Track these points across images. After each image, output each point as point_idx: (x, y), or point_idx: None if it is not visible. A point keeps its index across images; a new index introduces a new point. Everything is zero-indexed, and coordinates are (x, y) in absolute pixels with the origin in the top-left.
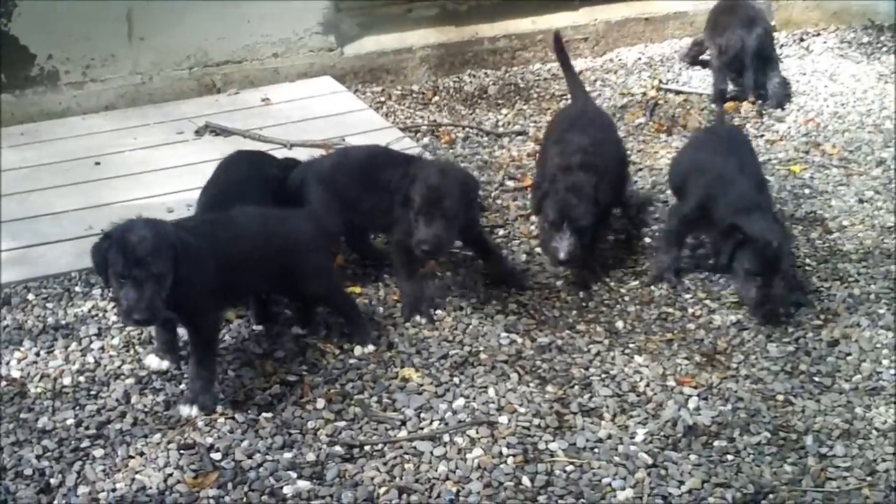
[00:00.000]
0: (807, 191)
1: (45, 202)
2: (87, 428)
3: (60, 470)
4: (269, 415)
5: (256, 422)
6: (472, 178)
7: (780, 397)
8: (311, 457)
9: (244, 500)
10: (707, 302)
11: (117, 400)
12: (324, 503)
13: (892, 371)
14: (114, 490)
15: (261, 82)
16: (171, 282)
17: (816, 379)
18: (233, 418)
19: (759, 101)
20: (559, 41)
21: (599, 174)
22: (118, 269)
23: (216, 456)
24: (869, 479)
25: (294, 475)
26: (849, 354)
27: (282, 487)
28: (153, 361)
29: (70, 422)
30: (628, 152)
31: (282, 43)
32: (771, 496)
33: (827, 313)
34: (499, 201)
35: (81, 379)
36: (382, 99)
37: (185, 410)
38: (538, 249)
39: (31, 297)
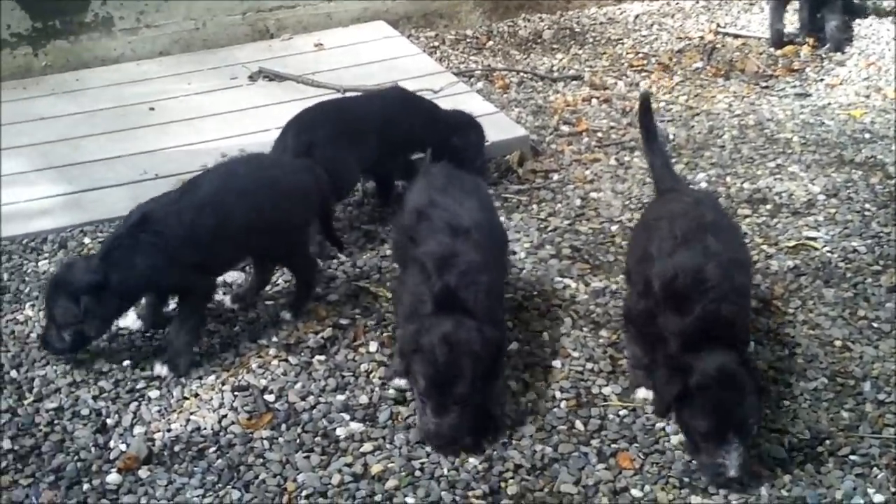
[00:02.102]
0: (867, 135)
1: (99, 147)
2: (142, 369)
3: (117, 410)
4: (322, 357)
5: (310, 364)
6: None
7: (838, 343)
8: (363, 399)
9: (297, 440)
10: (764, 247)
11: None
12: (376, 445)
13: None
14: (169, 430)
15: (314, 27)
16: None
17: (875, 325)
18: (286, 361)
19: (818, 45)
20: (646, 104)
21: (736, 314)
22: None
23: (270, 398)
24: None
25: (347, 417)
26: None
27: (335, 429)
28: (130, 320)
29: (126, 363)
30: (685, 96)
31: None
32: (827, 442)
33: (886, 259)
34: (553, 146)
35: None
36: (436, 44)
37: (157, 369)
38: (593, 195)
39: (87, 240)
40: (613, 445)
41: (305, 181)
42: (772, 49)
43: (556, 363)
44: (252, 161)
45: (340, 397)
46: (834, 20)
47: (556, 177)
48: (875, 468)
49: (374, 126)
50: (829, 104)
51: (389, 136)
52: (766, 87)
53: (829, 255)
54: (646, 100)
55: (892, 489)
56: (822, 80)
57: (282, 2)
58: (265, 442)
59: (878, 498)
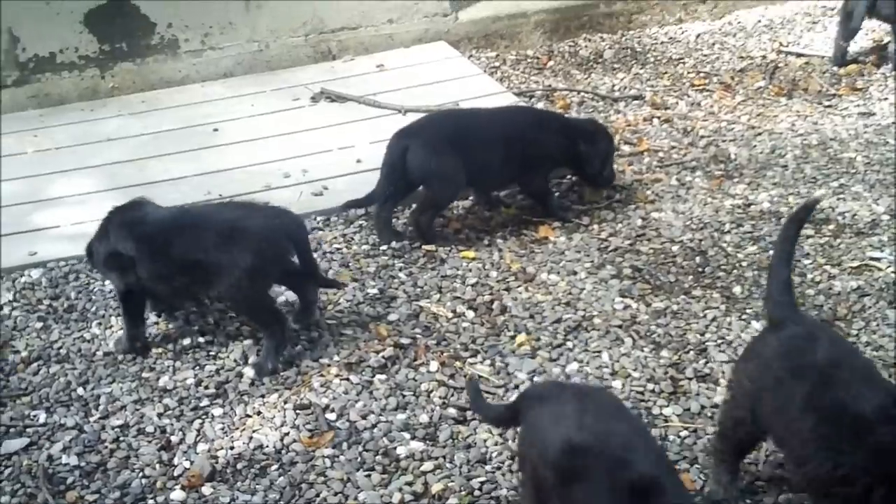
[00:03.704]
0: None
1: (164, 168)
2: (206, 387)
3: (181, 427)
4: (383, 377)
5: (371, 383)
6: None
7: None
8: (424, 418)
9: (358, 459)
10: (827, 267)
11: (235, 360)
12: (436, 464)
13: None
14: (232, 448)
15: (375, 48)
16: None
17: None
18: (347, 380)
19: (881, 63)
20: (806, 213)
21: None
22: None
23: (331, 416)
24: None
25: (407, 436)
26: None
27: (395, 448)
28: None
29: (190, 381)
30: (747, 116)
31: (396, 8)
32: None
33: None
34: (614, 166)
35: (201, 340)
36: (497, 64)
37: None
38: (654, 215)
39: None
40: (675, 467)
41: (266, 231)
42: (835, 68)
43: (617, 384)
44: (231, 204)
45: (401, 416)
46: (893, 50)
47: (617, 196)
48: None
49: (496, 139)
50: (894, 123)
51: (517, 149)
52: (830, 106)
53: (892, 275)
54: (809, 209)
55: None
56: (886, 98)
57: (344, 23)
58: (326, 460)
59: None
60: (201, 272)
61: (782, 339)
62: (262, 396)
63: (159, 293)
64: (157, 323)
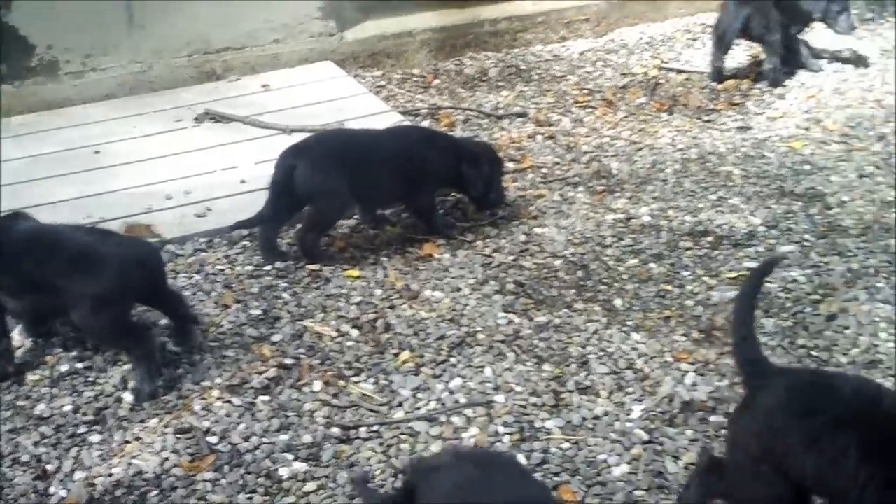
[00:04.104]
0: (807, 167)
1: (43, 192)
2: (84, 414)
3: (57, 456)
4: (266, 398)
5: (253, 405)
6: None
7: None
8: (307, 439)
9: (240, 482)
10: (705, 279)
11: (114, 386)
12: (319, 484)
13: (890, 344)
14: (110, 475)
15: (261, 68)
16: None
17: (814, 353)
18: (229, 402)
19: (758, 79)
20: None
21: None
22: None
23: (212, 439)
24: None
25: (290, 457)
26: (846, 328)
27: (278, 469)
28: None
29: (67, 408)
30: (628, 131)
31: (282, 28)
32: None
33: (825, 288)
34: (503, 187)
35: (79, 365)
36: (383, 83)
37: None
38: (537, 230)
39: None
40: (556, 479)
41: (116, 259)
42: (713, 84)
43: (499, 398)
44: (85, 229)
45: (284, 437)
46: (769, 62)
47: (500, 213)
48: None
49: (384, 158)
50: (770, 137)
51: (405, 168)
52: (709, 121)
53: (769, 285)
54: (772, 264)
55: None
56: (762, 113)
57: (229, 43)
58: (207, 484)
59: None
60: (50, 293)
61: (789, 395)
62: (142, 421)
63: (23, 309)
64: (32, 349)
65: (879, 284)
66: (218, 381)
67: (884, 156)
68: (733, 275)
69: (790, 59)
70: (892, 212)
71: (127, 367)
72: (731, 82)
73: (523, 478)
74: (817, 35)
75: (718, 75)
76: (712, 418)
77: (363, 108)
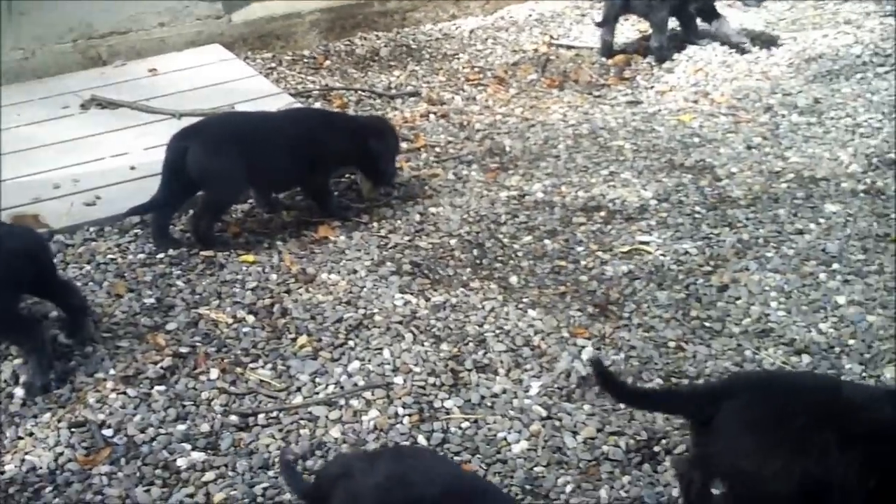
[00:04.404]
0: (696, 139)
1: None
2: None
3: None
4: (162, 388)
5: (149, 395)
6: None
7: (672, 344)
8: (205, 427)
9: (137, 474)
10: (599, 253)
11: (5, 381)
12: (218, 473)
13: (781, 313)
14: (2, 473)
15: (147, 53)
16: None
17: (707, 324)
18: (124, 393)
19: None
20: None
21: None
22: None
23: (108, 432)
24: None
25: (188, 447)
26: (738, 298)
27: (175, 460)
28: None
29: None
30: (520, 108)
31: (168, 12)
32: (664, 441)
33: (717, 259)
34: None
35: None
36: (273, 65)
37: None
38: (432, 210)
39: None
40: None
41: (6, 250)
42: (603, 59)
43: (398, 380)
44: None
45: (181, 427)
46: (656, 40)
47: (395, 193)
48: None
49: (279, 140)
50: (660, 111)
51: (302, 150)
52: (599, 97)
53: (661, 258)
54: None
55: None
56: (652, 87)
57: (113, 28)
58: (104, 478)
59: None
60: None
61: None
62: (35, 416)
63: None
64: None
65: (769, 254)
66: (112, 372)
67: (770, 127)
68: (626, 249)
69: (688, 34)
70: (780, 182)
71: (17, 361)
72: (620, 57)
73: (444, 461)
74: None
75: (608, 50)
76: None
77: (253, 90)
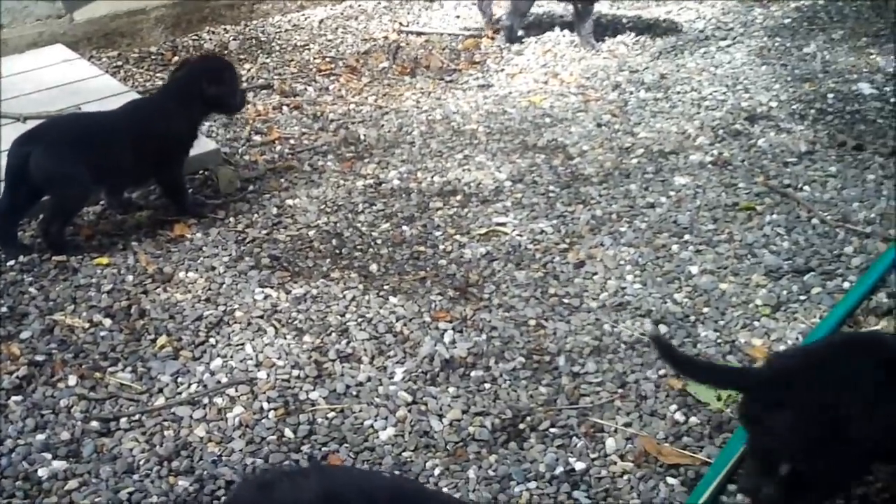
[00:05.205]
0: (547, 119)
1: None
2: None
3: None
4: (19, 398)
5: (5, 406)
6: None
7: (532, 322)
8: (65, 436)
9: None
10: (457, 237)
11: None
12: (81, 481)
13: (637, 286)
14: None
15: None
16: None
17: (566, 301)
18: None
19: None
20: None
21: None
22: None
23: None
24: (620, 391)
25: (49, 456)
26: (594, 274)
27: (36, 470)
28: None
29: None
30: (374, 97)
31: (6, 12)
32: (528, 418)
33: (572, 236)
34: (246, 157)
35: None
36: (119, 63)
37: None
38: (288, 202)
39: None
40: (324, 448)
41: None
42: (453, 44)
43: (262, 374)
44: None
45: (41, 437)
46: (508, 20)
47: (251, 187)
48: (574, 437)
49: (123, 137)
50: (511, 93)
51: (146, 143)
52: (451, 82)
53: (518, 238)
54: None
55: (591, 455)
56: (502, 70)
57: None
58: None
59: (579, 465)
60: None
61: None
62: None
63: None
64: None
65: (622, 229)
66: None
67: (619, 104)
68: (483, 231)
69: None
70: (631, 157)
71: None
72: (470, 41)
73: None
74: None
75: (488, 22)
76: (473, 373)
77: (100, 90)
